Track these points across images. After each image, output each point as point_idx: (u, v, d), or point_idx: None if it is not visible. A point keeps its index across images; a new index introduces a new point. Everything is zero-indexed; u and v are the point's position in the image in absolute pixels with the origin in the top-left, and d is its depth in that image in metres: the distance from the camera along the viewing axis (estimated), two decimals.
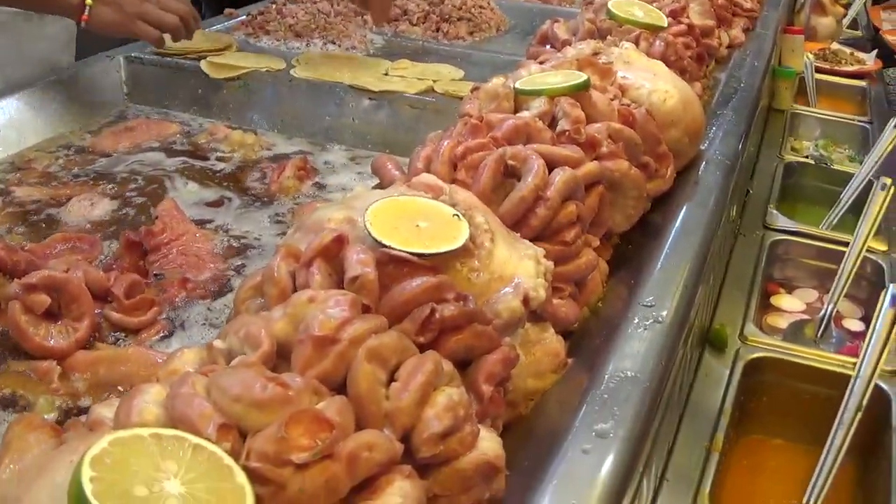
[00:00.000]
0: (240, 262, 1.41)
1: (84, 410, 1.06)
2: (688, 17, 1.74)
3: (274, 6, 2.30)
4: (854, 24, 4.26)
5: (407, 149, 1.70)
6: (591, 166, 1.06)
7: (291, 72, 1.98)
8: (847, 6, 4.22)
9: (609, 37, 1.48)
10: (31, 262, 1.24)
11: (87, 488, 0.54)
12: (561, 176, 0.98)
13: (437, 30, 2.19)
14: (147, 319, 1.22)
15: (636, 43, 1.46)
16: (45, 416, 1.05)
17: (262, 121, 1.91)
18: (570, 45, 1.45)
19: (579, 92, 1.18)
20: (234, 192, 1.65)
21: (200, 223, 1.49)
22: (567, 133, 1.10)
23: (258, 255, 1.43)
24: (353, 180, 1.70)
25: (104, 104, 2.03)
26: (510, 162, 0.99)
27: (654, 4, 1.69)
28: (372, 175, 1.64)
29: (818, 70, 3.23)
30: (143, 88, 2.05)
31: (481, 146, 1.01)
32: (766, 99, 2.53)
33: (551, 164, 1.00)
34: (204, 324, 1.25)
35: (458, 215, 0.87)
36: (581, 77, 1.20)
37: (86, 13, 1.89)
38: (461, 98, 1.79)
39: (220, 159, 1.78)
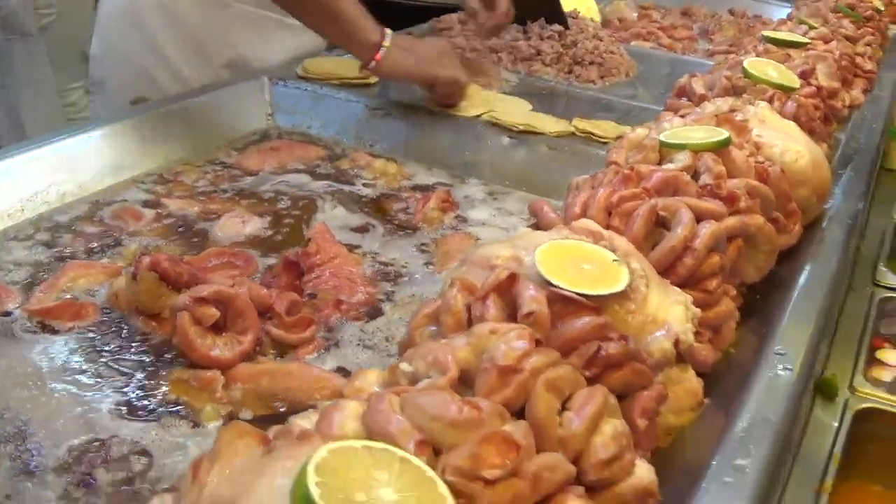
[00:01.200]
0: (390, 288, 1.49)
1: (246, 419, 1.14)
2: (816, 78, 1.81)
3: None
4: None
5: (542, 188, 1.81)
6: (732, 220, 1.14)
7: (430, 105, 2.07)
8: None
9: (745, 95, 1.56)
10: (193, 275, 1.32)
11: (314, 492, 0.62)
12: (708, 228, 1.07)
13: (570, 72, 2.27)
14: (306, 337, 1.31)
15: (770, 102, 1.54)
16: (211, 424, 1.14)
17: (403, 150, 1.99)
18: (707, 99, 1.54)
19: (720, 148, 1.26)
20: (377, 220, 1.73)
21: (348, 247, 1.57)
22: (709, 187, 1.18)
23: (407, 283, 1.51)
24: (492, 216, 1.77)
25: (249, 123, 2.12)
26: (661, 213, 1.08)
27: (786, 64, 1.77)
28: (509, 212, 1.75)
29: None
30: (286, 110, 2.15)
31: (634, 196, 1.10)
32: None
33: (697, 217, 1.09)
34: (358, 344, 1.33)
35: (617, 260, 0.96)
36: (723, 134, 1.28)
37: (380, 53, 1.92)
38: (595, 138, 1.91)
39: (365, 185, 1.87)
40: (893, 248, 2.27)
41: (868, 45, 2.50)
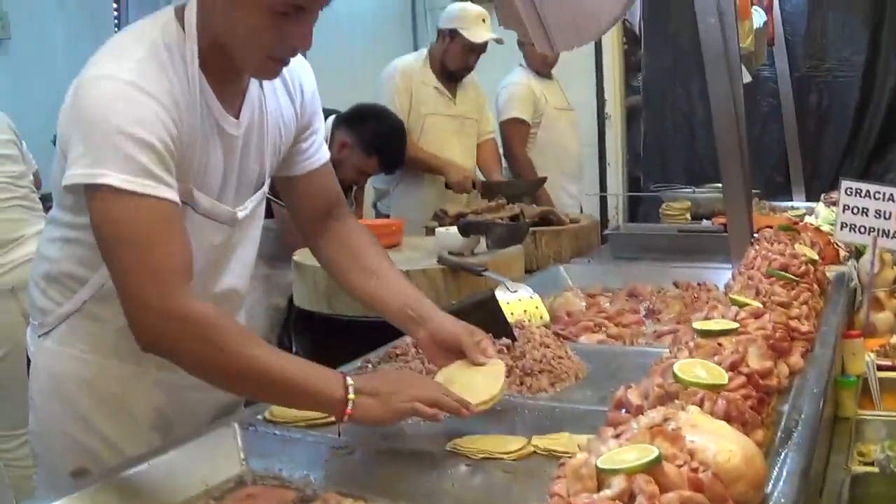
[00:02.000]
0: None
1: None
2: (747, 364, 1.93)
3: (370, 364, 2.53)
4: None
5: None
6: None
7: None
8: None
9: (677, 400, 1.68)
10: None
11: None
12: None
13: (521, 383, 2.39)
14: None
15: (701, 404, 1.65)
16: None
17: (370, 485, 2.04)
18: (642, 411, 1.65)
19: (653, 467, 1.36)
20: None
21: None
22: None
23: None
24: None
25: (224, 470, 2.16)
26: None
27: (716, 357, 1.89)
28: None
29: (880, 368, 3.37)
30: (258, 454, 2.20)
31: None
32: (831, 408, 2.66)
33: None
34: None
35: None
36: (654, 453, 1.38)
37: (349, 407, 2.00)
38: (555, 454, 2.00)
39: None
40: (852, 501, 2.34)
41: (804, 303, 2.63)
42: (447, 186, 5.40)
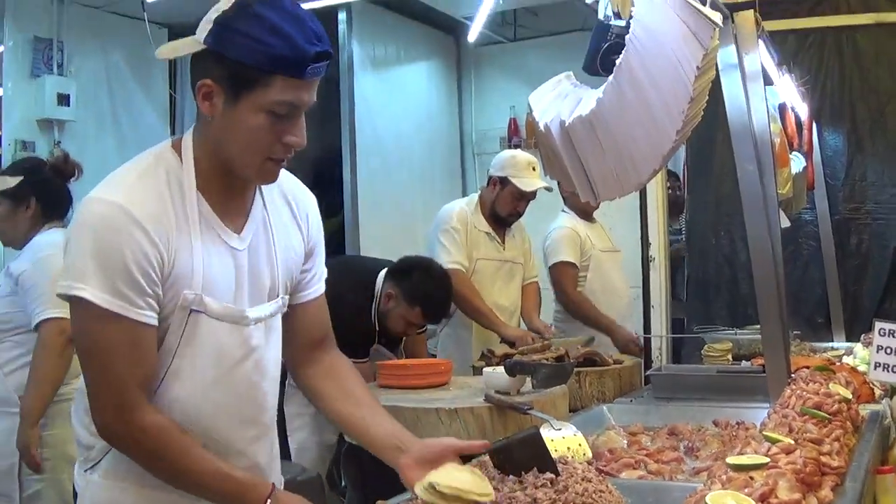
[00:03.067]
0: None
1: None
2: (776, 496, 2.04)
3: (419, 501, 2.64)
4: None
5: None
6: None
7: None
8: None
9: None
10: None
11: None
12: None
13: None
14: None
15: None
16: None
17: None
18: None
19: None
20: None
21: None
22: None
23: None
24: None
25: None
26: None
27: (746, 490, 2.01)
28: None
29: None
30: None
31: None
32: None
33: None
34: None
35: None
36: None
37: None
38: None
39: None
40: None
41: (836, 439, 2.72)
42: (509, 345, 5.34)
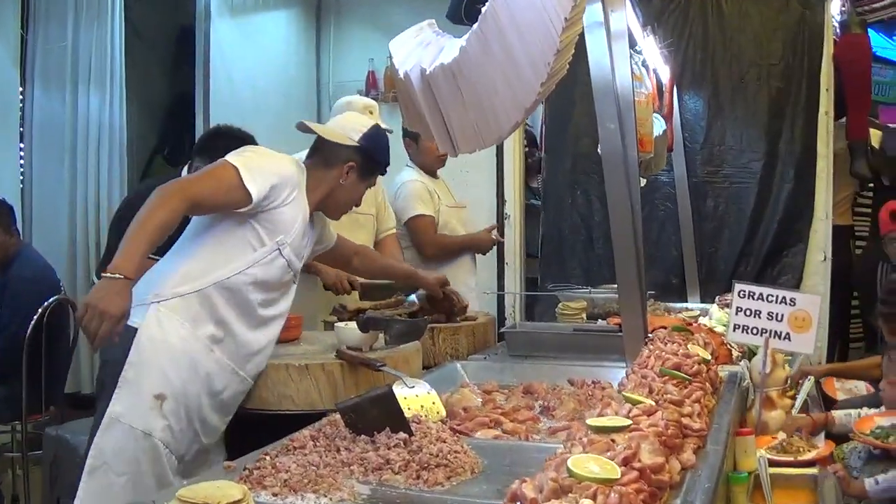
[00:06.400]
0: None
1: None
2: (639, 459, 1.96)
3: (267, 458, 2.50)
4: (805, 407, 4.53)
5: None
6: None
7: None
8: (794, 397, 4.54)
9: (570, 494, 1.70)
10: None
11: None
12: None
13: (418, 477, 2.38)
14: None
15: (594, 498, 1.68)
16: None
17: None
18: (537, 503, 1.67)
19: None
20: None
21: None
22: None
23: None
24: None
25: None
26: None
27: (609, 453, 1.93)
28: None
29: (771, 464, 3.46)
30: None
31: None
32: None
33: None
34: None
35: None
36: None
37: None
38: None
39: None
40: None
41: (697, 401, 2.69)
42: (326, 288, 5.24)
